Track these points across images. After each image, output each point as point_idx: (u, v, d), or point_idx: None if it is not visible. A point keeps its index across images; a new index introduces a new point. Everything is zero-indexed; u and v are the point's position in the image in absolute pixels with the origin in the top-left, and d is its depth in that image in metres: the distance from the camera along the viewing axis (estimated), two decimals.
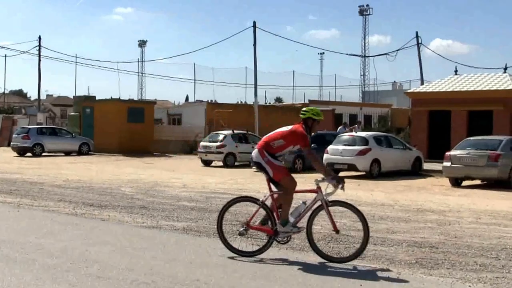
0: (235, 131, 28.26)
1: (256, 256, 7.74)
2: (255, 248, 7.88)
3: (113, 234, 9.57)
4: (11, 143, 34.28)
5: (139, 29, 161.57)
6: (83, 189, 16.13)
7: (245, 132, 29.02)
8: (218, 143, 26.94)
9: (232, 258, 7.75)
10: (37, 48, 51.66)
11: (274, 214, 7.76)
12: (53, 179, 18.93)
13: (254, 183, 18.76)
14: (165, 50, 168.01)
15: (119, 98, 50.37)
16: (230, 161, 26.70)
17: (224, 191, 16.29)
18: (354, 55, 75.70)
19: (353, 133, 23.82)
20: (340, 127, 31.00)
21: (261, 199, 7.85)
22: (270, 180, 7.85)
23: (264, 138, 8.11)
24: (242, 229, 7.89)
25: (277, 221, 7.73)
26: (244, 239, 8.13)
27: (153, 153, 34.57)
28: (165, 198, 14.37)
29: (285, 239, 7.82)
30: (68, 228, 9.96)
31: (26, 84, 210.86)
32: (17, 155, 32.17)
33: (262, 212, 7.90)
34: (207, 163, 27.17)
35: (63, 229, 9.89)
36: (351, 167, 21.39)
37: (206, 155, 27.22)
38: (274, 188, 7.90)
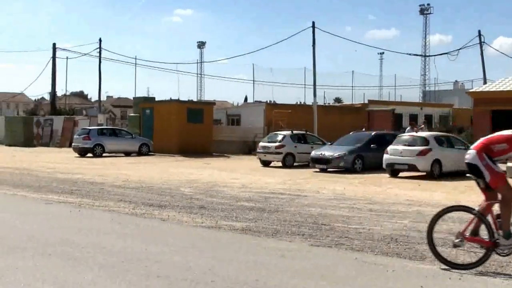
0: (294, 132, 28.17)
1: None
2: (473, 259, 7.30)
3: (173, 234, 9.65)
4: (72, 144, 35.07)
5: (198, 30, 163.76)
6: (142, 189, 16.35)
7: (304, 132, 28.91)
8: (277, 144, 26.92)
9: (288, 258, 7.68)
10: (98, 50, 52.88)
11: (492, 225, 7.22)
12: (113, 179, 19.27)
13: (312, 183, 18.62)
14: (223, 51, 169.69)
15: (178, 99, 50.99)
16: (289, 162, 26.62)
17: (283, 191, 16.23)
18: (414, 54, 74.25)
19: (414, 133, 23.42)
20: (408, 127, 30.50)
21: (476, 209, 7.33)
22: (485, 186, 7.32)
23: (483, 140, 7.48)
24: (457, 240, 7.33)
25: (497, 232, 7.20)
26: (448, 249, 7.70)
27: (212, 154, 34.81)
28: (224, 198, 14.42)
29: (505, 251, 7.24)
30: (128, 228, 10.10)
31: (86, 85, 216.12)
32: (78, 155, 32.90)
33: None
34: (266, 163, 27.17)
35: (123, 228, 10.04)
36: (412, 168, 21.01)
37: (265, 155, 27.23)
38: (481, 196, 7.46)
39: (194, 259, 7.58)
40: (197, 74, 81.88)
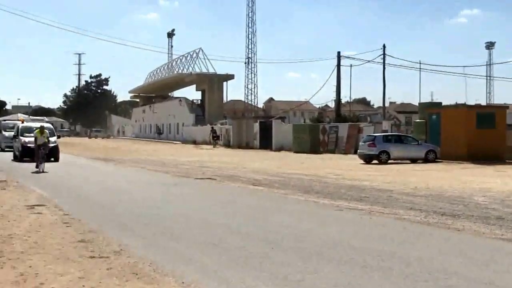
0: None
1: None
2: None
3: (469, 245, 9.29)
4: (358, 150, 35.86)
5: (486, 30, 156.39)
6: (432, 198, 16.05)
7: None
8: None
9: None
10: (381, 56, 53.50)
11: None
12: (401, 186, 19.23)
13: None
14: None
15: (465, 103, 49.19)
16: None
17: None
18: None
19: None
20: None
21: None
22: None
23: None
24: None
25: None
26: None
27: (505, 161, 32.84)
28: None
29: None
30: (422, 238, 9.99)
31: (369, 92, 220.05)
32: (363, 162, 33.50)
33: None
34: None
35: (416, 238, 9.96)
36: None
37: None
38: None
39: (496, 276, 7.19)
40: (486, 76, 78.18)
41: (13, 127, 44.27)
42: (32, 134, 31.15)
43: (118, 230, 10.75)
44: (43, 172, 24.55)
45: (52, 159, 30.93)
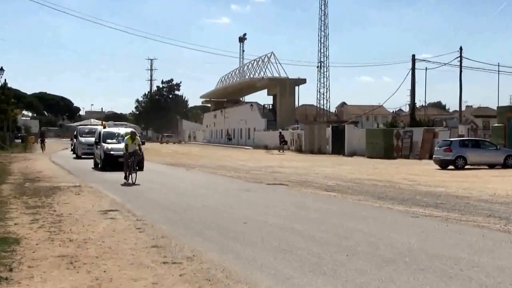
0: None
1: None
2: None
3: None
4: (433, 156, 35.17)
5: None
6: None
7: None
8: None
9: None
10: (458, 59, 52.32)
11: None
12: (479, 193, 18.73)
13: None
14: None
15: None
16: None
17: None
18: None
19: None
20: None
21: None
22: None
23: None
24: None
25: None
26: None
27: None
28: None
29: None
30: (502, 246, 9.70)
31: (444, 95, 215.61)
32: (438, 168, 32.84)
33: None
34: None
35: (496, 246, 9.68)
36: None
37: None
38: None
39: None
40: None
41: (89, 133, 43.92)
42: (114, 140, 30.67)
43: (190, 236, 10.88)
44: (134, 184, 21.73)
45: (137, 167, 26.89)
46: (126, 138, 24.45)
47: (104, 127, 33.95)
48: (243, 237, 10.65)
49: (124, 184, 21.85)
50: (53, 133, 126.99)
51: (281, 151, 59.46)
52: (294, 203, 16.32)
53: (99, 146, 31.22)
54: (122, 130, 32.68)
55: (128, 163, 22.75)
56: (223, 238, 10.53)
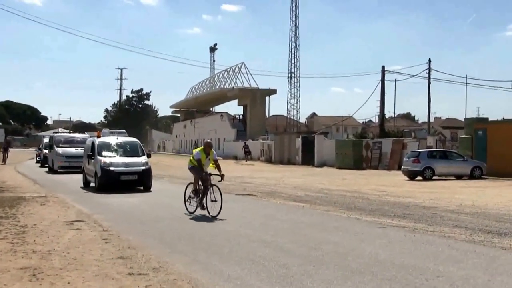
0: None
1: None
2: None
3: None
4: (402, 166, 35.46)
5: None
6: (478, 215, 15.78)
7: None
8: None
9: None
10: (427, 71, 53.01)
11: None
12: (446, 203, 18.97)
13: None
14: None
15: None
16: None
17: None
18: None
19: None
20: None
21: None
22: None
23: None
24: None
25: None
26: None
27: None
28: None
29: None
30: (468, 256, 9.81)
31: (414, 107, 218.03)
32: (407, 178, 33.15)
33: None
34: None
35: (462, 256, 9.79)
36: None
37: None
38: None
39: None
40: None
41: (68, 142, 38.93)
42: (112, 153, 24.69)
43: (157, 246, 10.83)
44: (216, 217, 14.90)
45: (142, 187, 24.00)
46: (198, 150, 16.26)
47: (99, 136, 26.19)
48: (211, 248, 10.63)
49: (191, 216, 15.52)
50: (19, 142, 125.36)
51: (246, 161, 60.15)
52: (263, 214, 16.34)
53: (92, 160, 24.58)
54: (121, 139, 26.41)
55: (207, 185, 15.64)
56: (190, 249, 10.50)
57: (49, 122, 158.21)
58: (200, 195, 15.83)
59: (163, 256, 9.76)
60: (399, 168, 37.81)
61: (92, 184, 24.87)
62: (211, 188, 15.49)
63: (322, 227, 13.60)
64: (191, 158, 16.40)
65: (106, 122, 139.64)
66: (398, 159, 42.47)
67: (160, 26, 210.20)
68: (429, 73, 53.19)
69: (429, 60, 54.22)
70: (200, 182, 15.96)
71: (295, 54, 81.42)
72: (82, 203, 18.53)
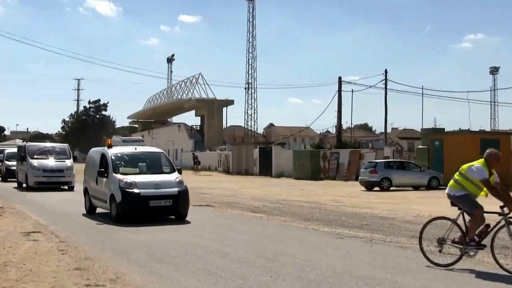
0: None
1: None
2: None
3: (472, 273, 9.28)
4: (359, 177, 35.83)
5: (491, 55, 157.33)
6: (435, 226, 15.96)
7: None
8: None
9: None
10: (383, 82, 53.75)
11: None
12: (403, 214, 19.21)
13: None
14: None
15: (469, 129, 49.31)
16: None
17: None
18: None
19: None
20: None
21: None
22: None
23: None
24: None
25: None
26: None
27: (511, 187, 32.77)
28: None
29: None
30: (425, 267, 9.97)
31: (371, 118, 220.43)
32: (364, 189, 33.48)
33: None
34: None
35: (419, 267, 9.96)
36: None
37: None
38: None
39: None
40: (490, 102, 78.49)
41: (45, 152, 32.57)
42: (135, 169, 17.97)
43: (115, 258, 10.73)
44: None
45: (173, 216, 17.62)
46: (480, 165, 10.96)
47: (110, 146, 18.89)
48: (168, 259, 10.57)
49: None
50: None
51: (195, 170, 61.06)
52: (221, 224, 16.32)
53: (104, 179, 17.76)
54: (142, 150, 19.44)
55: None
56: (147, 261, 10.43)
57: (7, 133, 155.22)
58: None
59: (119, 267, 9.69)
60: (356, 179, 38.12)
61: (100, 210, 18.90)
62: None
63: (279, 238, 13.64)
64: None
65: (64, 133, 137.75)
66: (355, 169, 42.90)
67: (118, 37, 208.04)
68: (385, 84, 53.99)
69: (386, 71, 55.04)
70: None
71: (253, 65, 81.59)
72: (40, 214, 18.20)
